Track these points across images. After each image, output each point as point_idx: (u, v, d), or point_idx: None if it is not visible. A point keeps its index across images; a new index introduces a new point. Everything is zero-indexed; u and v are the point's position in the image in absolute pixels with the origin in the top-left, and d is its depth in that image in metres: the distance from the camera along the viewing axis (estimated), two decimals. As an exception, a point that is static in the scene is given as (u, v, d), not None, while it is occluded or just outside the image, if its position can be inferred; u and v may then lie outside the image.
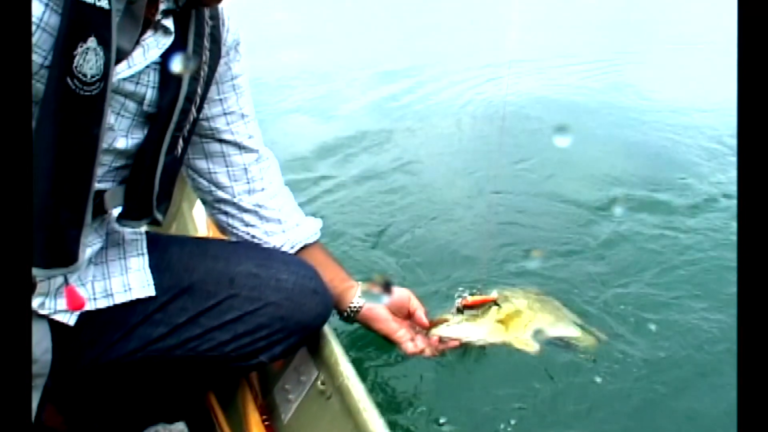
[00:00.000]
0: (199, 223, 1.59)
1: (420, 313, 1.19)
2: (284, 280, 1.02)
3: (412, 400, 1.29)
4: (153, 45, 0.83)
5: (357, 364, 1.07)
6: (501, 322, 1.26)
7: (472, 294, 1.29)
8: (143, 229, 1.05)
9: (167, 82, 0.87)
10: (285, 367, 1.18)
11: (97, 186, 0.86)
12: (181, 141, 0.94)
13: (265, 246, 1.12)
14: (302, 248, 1.15)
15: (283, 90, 4.16)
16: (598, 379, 1.33)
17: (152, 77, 0.86)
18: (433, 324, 1.20)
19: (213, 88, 1.01)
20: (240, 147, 1.08)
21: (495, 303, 1.28)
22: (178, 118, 0.89)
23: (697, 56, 5.06)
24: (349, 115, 3.63)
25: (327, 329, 1.10)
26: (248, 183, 1.10)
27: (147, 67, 0.84)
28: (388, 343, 1.21)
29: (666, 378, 1.35)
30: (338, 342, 1.08)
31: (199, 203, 1.62)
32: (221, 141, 1.06)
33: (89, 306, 0.95)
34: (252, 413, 1.11)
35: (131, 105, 0.86)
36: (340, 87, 4.26)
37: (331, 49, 5.61)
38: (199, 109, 0.96)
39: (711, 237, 2.00)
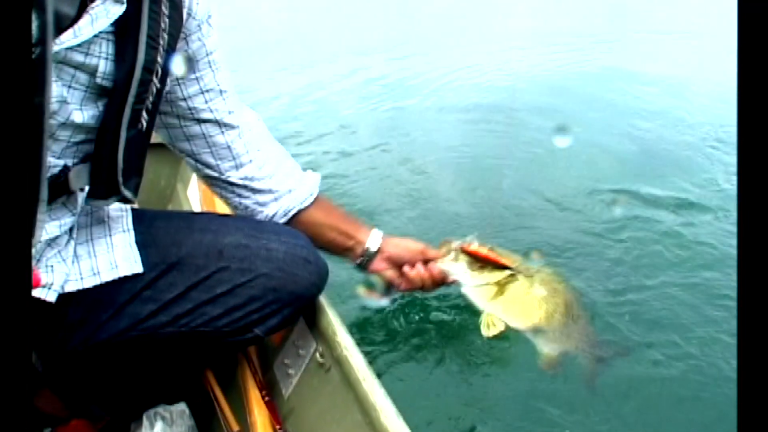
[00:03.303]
0: (193, 203, 1.56)
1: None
2: (275, 250, 0.99)
3: (411, 370, 1.27)
4: (102, 14, 0.78)
5: (355, 333, 1.04)
6: (499, 287, 1.22)
7: (482, 245, 1.24)
8: (132, 205, 1.02)
9: (122, 52, 0.82)
10: (283, 342, 1.16)
11: (58, 162, 0.83)
12: (144, 114, 0.88)
13: (260, 216, 1.10)
14: (299, 212, 1.13)
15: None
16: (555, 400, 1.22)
17: (105, 48, 0.81)
18: (443, 245, 1.25)
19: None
20: (220, 125, 1.03)
21: (510, 270, 1.23)
22: (136, 90, 0.84)
23: (693, 44, 4.95)
24: (347, 112, 3.53)
25: (323, 300, 1.07)
26: (234, 159, 1.06)
27: (97, 36, 0.79)
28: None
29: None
30: (335, 312, 1.05)
31: (193, 183, 1.60)
32: (200, 121, 1.02)
33: (77, 286, 0.93)
34: (252, 390, 1.09)
35: (82, 77, 0.81)
36: (327, 77, 4.15)
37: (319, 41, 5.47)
38: (163, 80, 0.90)
39: (716, 236, 1.90)
